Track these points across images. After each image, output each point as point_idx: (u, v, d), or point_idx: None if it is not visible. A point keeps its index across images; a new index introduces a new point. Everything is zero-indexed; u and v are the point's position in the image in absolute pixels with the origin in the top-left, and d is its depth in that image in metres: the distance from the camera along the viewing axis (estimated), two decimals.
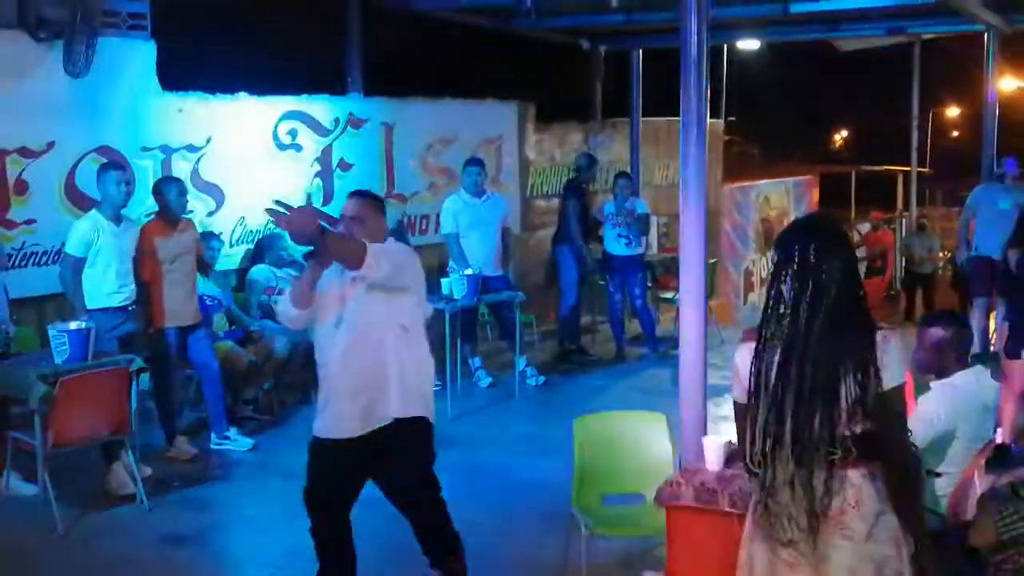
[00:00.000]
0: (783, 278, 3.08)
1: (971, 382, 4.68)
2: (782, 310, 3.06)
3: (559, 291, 10.58)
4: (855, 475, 3.05)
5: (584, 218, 10.50)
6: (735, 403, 3.23)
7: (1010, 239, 8.36)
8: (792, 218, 12.67)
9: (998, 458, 5.10)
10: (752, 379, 3.09)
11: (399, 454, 4.59)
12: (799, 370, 3.01)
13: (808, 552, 3.05)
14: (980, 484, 4.67)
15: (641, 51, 13.26)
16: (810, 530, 3.03)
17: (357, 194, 4.82)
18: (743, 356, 3.17)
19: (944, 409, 4.57)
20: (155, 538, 6.03)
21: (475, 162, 9.58)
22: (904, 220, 18.35)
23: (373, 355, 4.48)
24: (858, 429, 3.04)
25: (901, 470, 3.12)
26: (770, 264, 3.15)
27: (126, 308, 6.98)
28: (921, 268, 14.34)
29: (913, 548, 3.10)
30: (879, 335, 3.08)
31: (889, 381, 3.05)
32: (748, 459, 3.10)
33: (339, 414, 4.52)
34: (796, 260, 3.06)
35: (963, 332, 4.88)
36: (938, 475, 4.56)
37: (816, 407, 3.01)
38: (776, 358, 3.04)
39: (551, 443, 6.61)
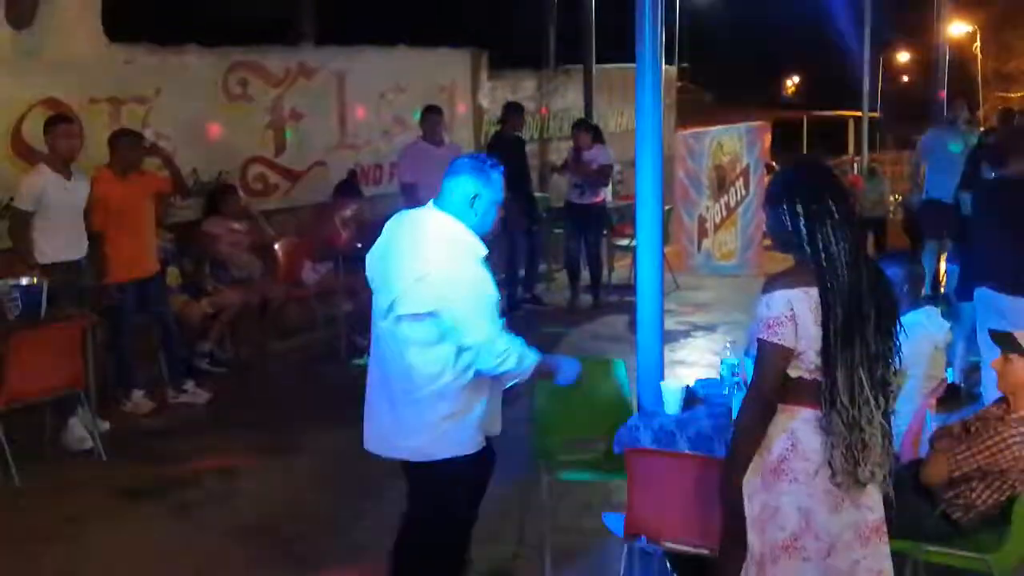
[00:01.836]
0: (825, 231, 3.08)
1: (922, 322, 4.76)
2: (835, 258, 3.07)
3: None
4: None
5: (517, 169, 10.38)
6: (778, 345, 3.10)
7: (960, 182, 8.47)
8: (746, 164, 12.73)
9: (950, 397, 5.19)
10: (829, 328, 3.06)
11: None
12: (863, 314, 3.08)
13: (841, 492, 3.15)
14: (932, 423, 4.77)
15: None
16: (885, 465, 3.17)
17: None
18: (791, 301, 3.09)
19: None
20: (114, 492, 6.01)
21: (435, 110, 9.53)
22: (856, 164, 18.49)
23: None
24: None
25: None
26: (793, 213, 3.11)
27: (79, 262, 6.90)
28: (872, 212, 14.42)
29: None
30: None
31: None
32: (833, 405, 3.08)
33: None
34: (835, 209, 3.09)
35: (914, 271, 4.95)
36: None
37: (885, 348, 3.14)
38: (842, 305, 3.06)
39: (509, 390, 6.63)
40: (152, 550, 5.31)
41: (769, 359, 3.14)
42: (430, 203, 3.98)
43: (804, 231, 3.10)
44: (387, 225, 4.09)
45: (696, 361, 8.35)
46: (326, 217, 9.31)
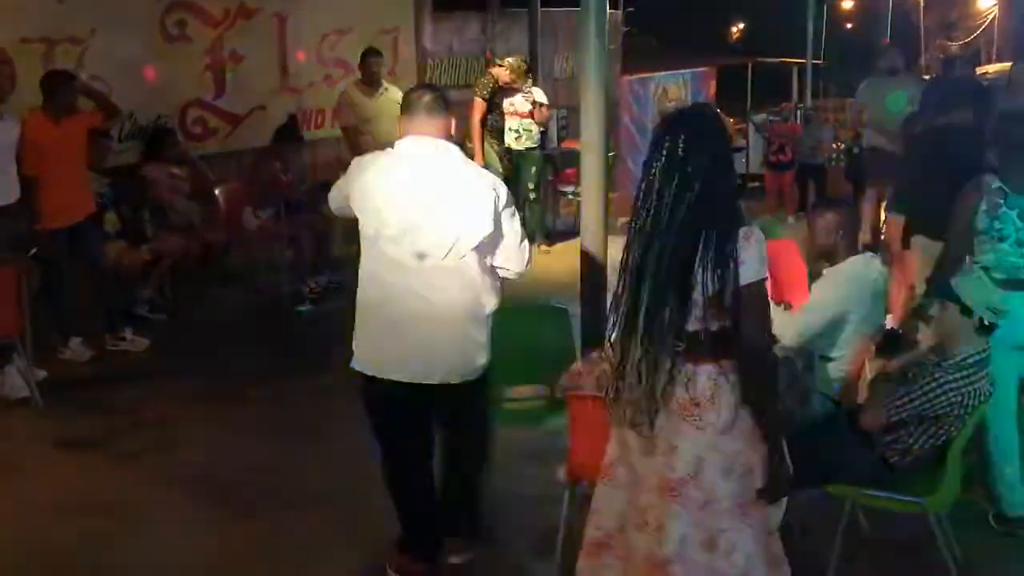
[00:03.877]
0: (652, 171, 3.09)
1: (860, 268, 4.80)
2: (649, 203, 3.08)
3: None
4: (708, 370, 3.09)
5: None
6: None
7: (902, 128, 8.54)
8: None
9: (888, 344, 5.26)
10: (620, 268, 3.14)
11: None
12: (657, 260, 3.04)
13: (655, 438, 3.13)
14: (871, 369, 4.83)
15: None
16: (650, 415, 3.10)
17: None
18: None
19: (835, 295, 4.69)
20: (52, 441, 5.94)
21: (374, 52, 9.41)
22: (798, 111, 18.54)
23: None
24: (714, 327, 3.07)
25: (755, 369, 3.12)
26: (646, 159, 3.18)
27: (10, 207, 6.72)
28: (812, 159, 14.43)
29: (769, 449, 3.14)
30: (743, 230, 3.07)
31: (748, 276, 3.05)
32: (608, 343, 3.17)
33: None
34: (664, 153, 3.07)
35: (850, 217, 5.00)
36: (830, 359, 4.69)
37: (668, 298, 3.04)
38: (638, 246, 3.09)
39: None
40: (92, 500, 5.24)
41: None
42: (431, 140, 4.05)
43: (643, 173, 3.15)
44: (392, 164, 4.10)
45: None
46: (266, 162, 9.17)
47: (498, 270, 4.17)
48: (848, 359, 4.68)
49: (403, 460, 4.31)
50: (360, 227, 4.12)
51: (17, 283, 6.26)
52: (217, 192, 9.10)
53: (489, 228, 4.02)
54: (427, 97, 4.10)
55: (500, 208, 4.04)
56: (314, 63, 10.60)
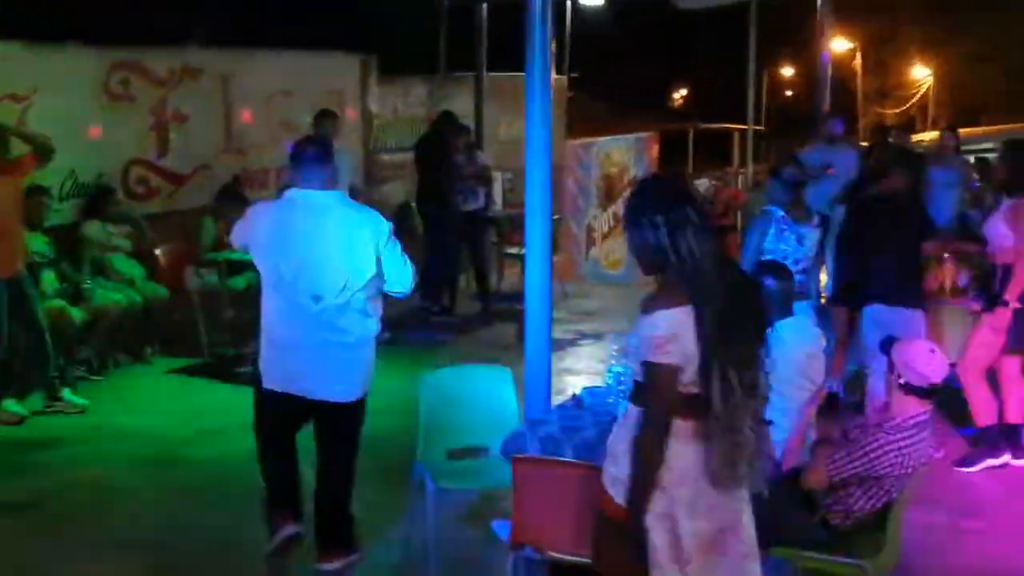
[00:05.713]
0: (687, 233, 3.11)
1: (792, 331, 4.86)
2: (701, 265, 3.11)
3: (427, 250, 10.34)
4: None
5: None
6: (670, 365, 3.09)
7: (837, 195, 8.76)
8: (634, 175, 12.89)
9: (829, 407, 5.31)
10: (705, 340, 3.07)
11: None
12: (730, 323, 3.09)
13: (737, 493, 3.24)
14: (812, 432, 4.86)
15: (486, 5, 13.20)
16: (755, 464, 3.21)
17: None
18: (674, 320, 3.08)
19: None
20: None
21: (330, 115, 9.42)
22: (740, 177, 18.83)
23: None
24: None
25: None
26: (654, 225, 3.14)
27: None
28: None
29: None
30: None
31: None
32: (708, 413, 3.11)
33: None
34: (693, 219, 3.13)
35: (787, 286, 5.10)
36: (769, 423, 4.70)
37: (753, 351, 3.19)
38: (714, 314, 3.08)
39: (396, 399, 6.60)
40: (22, 566, 5.10)
41: (662, 380, 3.12)
42: (319, 189, 4.58)
43: (667, 241, 3.12)
44: (285, 213, 4.64)
45: (583, 369, 8.40)
46: (209, 222, 9.11)
47: (388, 293, 4.74)
48: (789, 421, 4.71)
49: (276, 449, 4.86)
50: (258, 269, 4.64)
51: None
52: (158, 251, 9.02)
53: (373, 269, 4.54)
54: (313, 149, 4.63)
55: (383, 245, 4.57)
56: (259, 124, 10.59)
